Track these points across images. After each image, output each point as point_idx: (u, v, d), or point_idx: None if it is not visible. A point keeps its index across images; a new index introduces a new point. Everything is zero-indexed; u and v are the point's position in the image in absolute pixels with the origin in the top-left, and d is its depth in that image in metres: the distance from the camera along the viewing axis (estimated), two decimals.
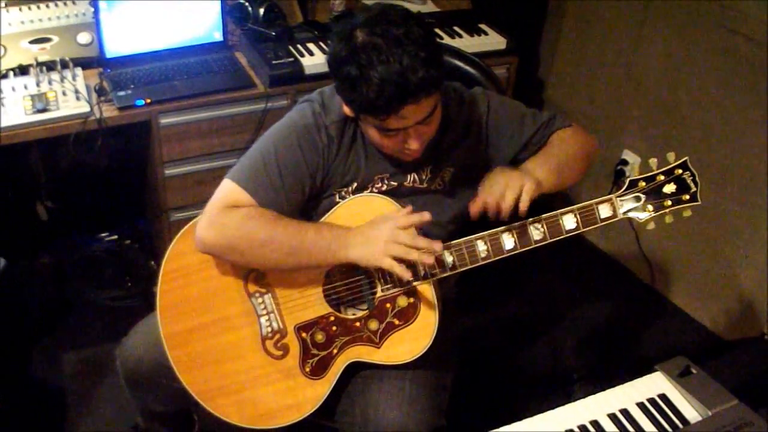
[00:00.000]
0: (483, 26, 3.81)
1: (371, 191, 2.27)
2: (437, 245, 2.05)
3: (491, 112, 2.35)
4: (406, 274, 2.05)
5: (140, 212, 4.18)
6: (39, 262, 3.91)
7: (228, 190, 2.16)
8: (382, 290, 2.21)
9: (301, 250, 2.11)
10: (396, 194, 2.24)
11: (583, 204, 2.14)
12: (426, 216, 2.07)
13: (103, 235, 4.12)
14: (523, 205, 2.07)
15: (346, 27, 2.02)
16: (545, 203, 2.21)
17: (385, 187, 2.28)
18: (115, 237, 4.12)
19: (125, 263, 3.98)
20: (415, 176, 2.29)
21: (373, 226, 2.10)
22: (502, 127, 2.36)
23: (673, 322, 3.91)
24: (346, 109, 2.14)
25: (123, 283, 3.86)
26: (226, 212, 2.12)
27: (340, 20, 3.69)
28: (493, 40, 3.73)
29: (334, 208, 2.23)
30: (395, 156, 2.21)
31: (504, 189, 2.08)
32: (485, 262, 2.16)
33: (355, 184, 2.27)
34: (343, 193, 2.26)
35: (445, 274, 2.17)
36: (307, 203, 2.26)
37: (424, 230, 2.14)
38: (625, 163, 4.06)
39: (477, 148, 2.34)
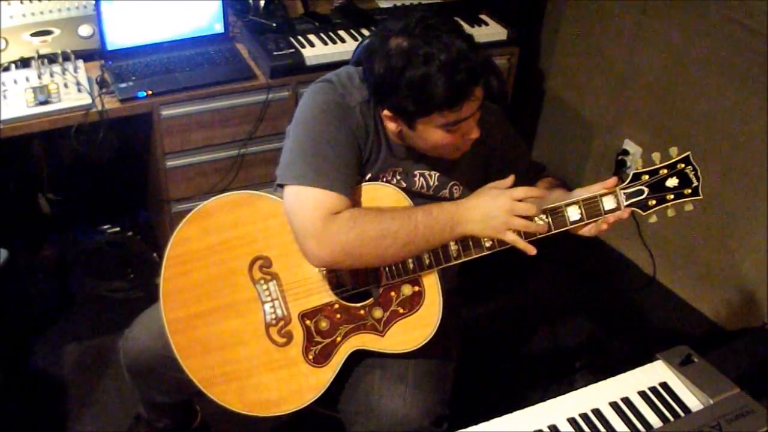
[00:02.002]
0: (484, 17, 3.82)
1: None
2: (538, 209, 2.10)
3: (508, 143, 2.42)
4: (530, 248, 2.09)
5: (142, 204, 4.18)
6: (41, 254, 3.91)
7: (312, 197, 2.09)
8: (387, 278, 2.21)
9: (417, 235, 2.10)
10: None
11: (587, 196, 2.15)
12: (537, 191, 2.12)
13: (106, 227, 4.13)
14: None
15: (376, 44, 2.05)
16: None
17: (394, 184, 2.28)
18: (118, 229, 4.13)
19: (127, 255, 3.98)
20: (423, 182, 2.31)
21: (485, 198, 2.11)
22: (513, 163, 2.41)
23: (674, 312, 3.91)
24: (392, 125, 2.15)
25: (125, 275, 3.86)
26: (329, 222, 2.07)
27: (341, 12, 3.71)
28: (493, 31, 3.74)
29: None
30: (445, 156, 2.24)
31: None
32: (490, 251, 2.17)
33: (369, 174, 2.26)
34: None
35: (449, 264, 2.18)
36: None
37: None
38: (626, 153, 4.06)
39: (484, 169, 2.39)
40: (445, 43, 1.95)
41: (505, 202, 2.07)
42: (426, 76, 1.96)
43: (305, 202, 2.09)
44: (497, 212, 2.07)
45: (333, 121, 2.15)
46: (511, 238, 2.08)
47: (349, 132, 2.16)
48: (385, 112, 2.14)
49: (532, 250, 2.09)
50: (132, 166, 3.92)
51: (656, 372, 2.08)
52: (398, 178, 2.28)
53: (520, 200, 2.08)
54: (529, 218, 2.09)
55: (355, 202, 2.16)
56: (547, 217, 2.14)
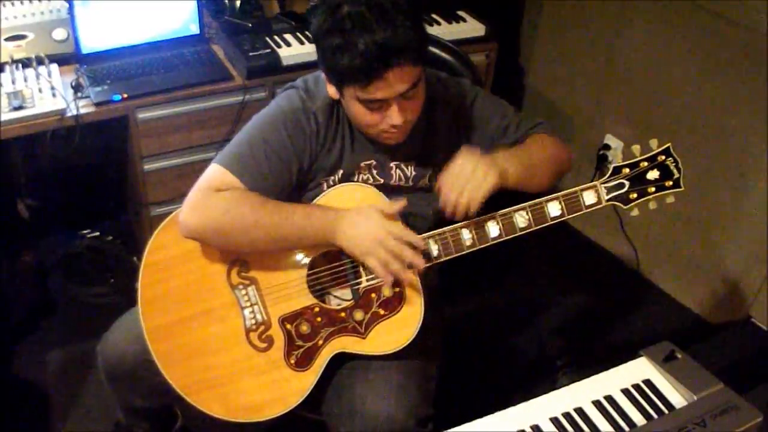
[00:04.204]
0: (462, 13, 3.81)
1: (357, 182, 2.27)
2: (420, 261, 2.08)
3: (475, 111, 2.36)
4: (388, 278, 2.08)
5: (122, 208, 4.16)
6: (21, 260, 3.88)
7: (214, 173, 2.15)
8: (367, 280, 2.20)
9: (289, 234, 2.11)
10: (381, 190, 2.23)
11: (567, 191, 2.15)
12: (420, 244, 2.10)
13: (85, 231, 4.09)
14: (473, 207, 2.07)
15: (331, 1, 2.02)
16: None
17: (372, 181, 2.29)
18: (97, 233, 4.09)
19: (107, 259, 3.95)
20: (401, 174, 2.30)
21: (365, 217, 2.10)
22: (487, 128, 2.37)
23: (658, 307, 3.91)
24: (331, 90, 2.14)
25: (106, 280, 3.83)
26: (212, 195, 2.10)
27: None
28: (471, 27, 3.74)
29: (320, 196, 2.22)
30: (379, 140, 2.21)
31: (463, 187, 2.06)
32: (470, 250, 2.17)
33: (341, 171, 2.27)
34: (330, 182, 2.27)
35: (429, 264, 2.16)
36: (294, 191, 2.25)
37: (407, 223, 2.15)
38: (607, 147, 4.06)
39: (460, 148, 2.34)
40: (378, 23, 1.93)
41: (379, 233, 2.07)
42: (341, 46, 1.95)
43: (206, 175, 2.15)
44: (367, 237, 2.07)
45: (279, 128, 2.18)
46: (372, 263, 2.08)
47: (294, 141, 2.19)
48: (323, 75, 2.15)
49: (388, 281, 2.09)
50: (111, 170, 3.90)
51: (639, 369, 2.06)
52: (374, 172, 2.28)
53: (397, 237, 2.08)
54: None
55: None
56: (527, 213, 2.13)
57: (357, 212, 2.12)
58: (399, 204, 2.13)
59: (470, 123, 2.35)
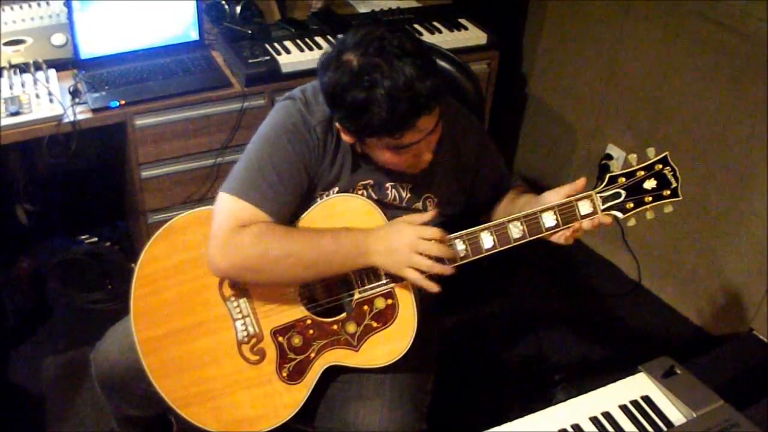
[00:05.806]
0: (463, 21, 3.80)
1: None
2: (456, 254, 2.10)
3: (482, 150, 2.38)
4: (432, 287, 2.07)
5: (120, 214, 4.15)
6: (18, 265, 3.86)
7: (232, 207, 2.11)
8: (360, 292, 2.18)
9: (321, 260, 2.09)
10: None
11: (562, 201, 2.12)
12: (446, 237, 2.10)
13: (83, 237, 4.09)
14: None
15: (332, 55, 2.01)
16: None
17: (365, 196, 2.26)
18: (95, 239, 4.09)
19: (106, 265, 3.95)
20: (396, 194, 2.29)
21: (394, 232, 2.09)
22: (485, 169, 2.40)
23: (659, 318, 3.89)
24: (347, 138, 2.12)
25: (104, 286, 3.83)
26: (237, 233, 2.07)
27: (318, 17, 3.67)
28: (473, 35, 3.72)
29: (311, 207, 2.20)
30: (404, 171, 2.21)
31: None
32: (464, 261, 2.14)
33: (336, 189, 2.24)
34: (325, 197, 2.24)
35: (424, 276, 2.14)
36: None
37: None
38: (609, 157, 4.04)
39: (457, 179, 2.36)
40: (395, 69, 1.91)
41: (409, 238, 2.05)
42: (367, 101, 1.93)
43: (224, 209, 2.11)
44: (399, 247, 2.06)
45: (284, 144, 2.14)
46: (412, 276, 2.07)
47: (300, 155, 2.16)
48: (337, 124, 2.12)
49: (433, 288, 2.08)
50: (109, 175, 3.89)
51: (638, 385, 2.04)
52: (369, 191, 2.26)
53: (428, 239, 2.06)
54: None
55: (283, 223, 2.14)
56: (521, 224, 2.11)
57: (385, 228, 2.11)
58: (430, 214, 2.15)
59: (469, 160, 2.37)
